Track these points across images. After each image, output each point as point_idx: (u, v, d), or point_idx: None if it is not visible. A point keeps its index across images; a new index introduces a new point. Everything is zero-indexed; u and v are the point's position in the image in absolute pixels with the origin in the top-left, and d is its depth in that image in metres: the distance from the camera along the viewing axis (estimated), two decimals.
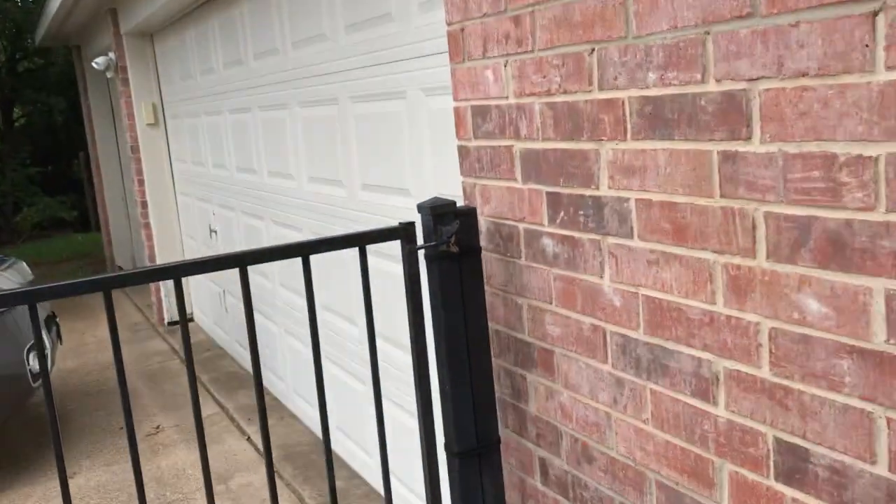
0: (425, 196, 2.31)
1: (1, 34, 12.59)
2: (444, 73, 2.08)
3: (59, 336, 4.37)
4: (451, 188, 2.15)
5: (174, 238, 6.25)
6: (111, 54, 5.96)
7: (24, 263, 4.35)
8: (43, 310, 4.22)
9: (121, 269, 8.81)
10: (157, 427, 4.27)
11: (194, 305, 6.29)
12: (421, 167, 2.46)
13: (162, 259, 6.23)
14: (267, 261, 1.69)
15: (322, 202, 3.31)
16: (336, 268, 3.17)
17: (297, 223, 3.59)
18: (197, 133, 5.17)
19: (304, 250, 1.72)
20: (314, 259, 1.80)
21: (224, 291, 5.13)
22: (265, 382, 4.50)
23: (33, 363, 3.71)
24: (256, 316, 4.43)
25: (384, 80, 2.64)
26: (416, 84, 2.40)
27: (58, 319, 4.45)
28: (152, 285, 6.33)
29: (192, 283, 6.26)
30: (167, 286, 6.24)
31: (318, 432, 3.57)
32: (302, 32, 3.24)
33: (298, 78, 3.37)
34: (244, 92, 4.04)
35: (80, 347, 6.16)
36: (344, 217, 3.11)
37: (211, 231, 5.11)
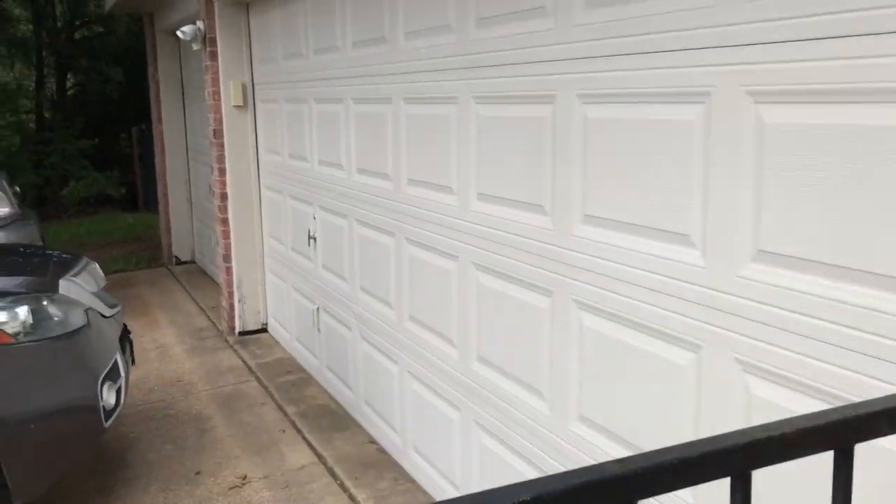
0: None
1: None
2: None
3: (132, 356, 3.60)
4: None
5: (254, 238, 5.52)
6: (199, 23, 5.19)
7: (97, 266, 3.59)
8: (116, 324, 3.47)
9: (178, 259, 8.12)
10: (244, 478, 3.49)
11: (269, 313, 5.49)
12: None
13: (238, 261, 5.50)
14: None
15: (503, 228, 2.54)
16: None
17: (451, 248, 2.86)
18: (299, 123, 4.46)
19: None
20: None
21: (319, 308, 4.37)
22: (373, 428, 3.72)
23: (107, 397, 2.95)
24: (366, 346, 3.84)
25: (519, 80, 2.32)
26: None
27: (131, 336, 3.68)
28: (224, 284, 5.59)
29: (268, 286, 5.53)
30: (242, 289, 5.51)
31: None
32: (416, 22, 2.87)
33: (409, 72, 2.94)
34: (385, 79, 3.33)
35: (139, 355, 5.40)
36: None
37: (310, 238, 4.35)
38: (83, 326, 2.96)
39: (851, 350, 1.44)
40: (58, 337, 2.85)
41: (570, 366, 2.22)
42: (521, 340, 2.44)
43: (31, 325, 2.86)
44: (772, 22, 1.53)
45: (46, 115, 12.35)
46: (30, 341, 2.79)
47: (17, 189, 6.49)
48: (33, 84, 12.52)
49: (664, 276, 1.84)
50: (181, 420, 4.06)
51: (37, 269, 3.32)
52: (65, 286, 3.09)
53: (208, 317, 6.12)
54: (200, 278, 7.48)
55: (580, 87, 2.06)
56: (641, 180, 1.88)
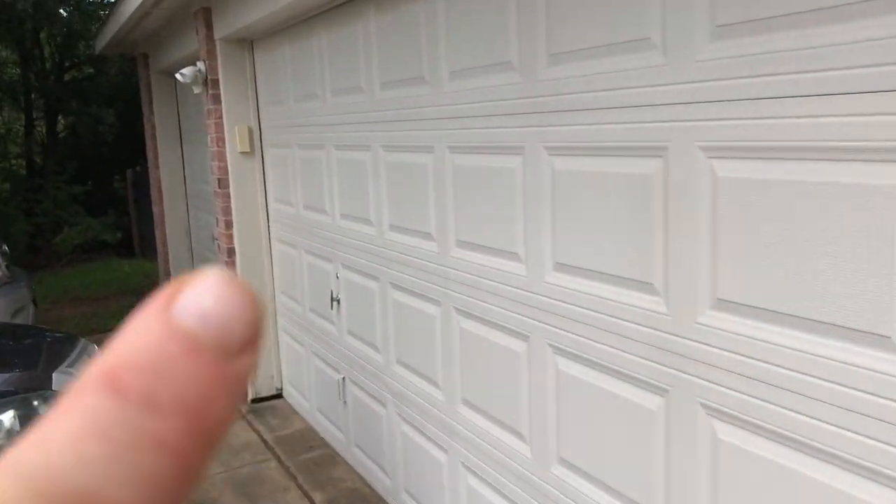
0: None
1: (49, 41, 11.64)
2: None
3: None
4: None
5: (265, 296, 5.04)
6: (199, 64, 4.75)
7: (96, 347, 3.12)
8: None
9: None
10: None
11: (285, 377, 5.20)
12: None
13: None
14: None
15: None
16: None
17: (520, 326, 2.68)
18: (316, 171, 4.53)
19: None
20: None
21: (345, 379, 3.89)
22: None
23: None
24: (405, 428, 3.72)
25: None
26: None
27: None
28: None
29: (282, 348, 5.06)
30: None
31: None
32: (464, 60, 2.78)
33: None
34: (425, 124, 3.23)
35: None
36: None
37: (332, 300, 3.89)
38: None
39: (794, 392, 1.67)
40: None
41: (548, 409, 2.48)
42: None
43: (19, 432, 2.37)
44: (721, 81, 1.74)
45: (37, 159, 12.04)
46: None
47: (6, 249, 6.02)
48: (22, 128, 12.09)
49: (631, 322, 2.09)
50: None
51: (26, 359, 2.89)
52: (59, 380, 2.64)
53: None
54: None
55: (547, 140, 2.29)
56: (605, 229, 2.13)
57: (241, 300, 0.26)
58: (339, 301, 4.25)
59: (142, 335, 0.25)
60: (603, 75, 2.12)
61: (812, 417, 1.64)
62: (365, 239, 3.83)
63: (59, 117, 12.86)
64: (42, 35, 12.11)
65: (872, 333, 1.50)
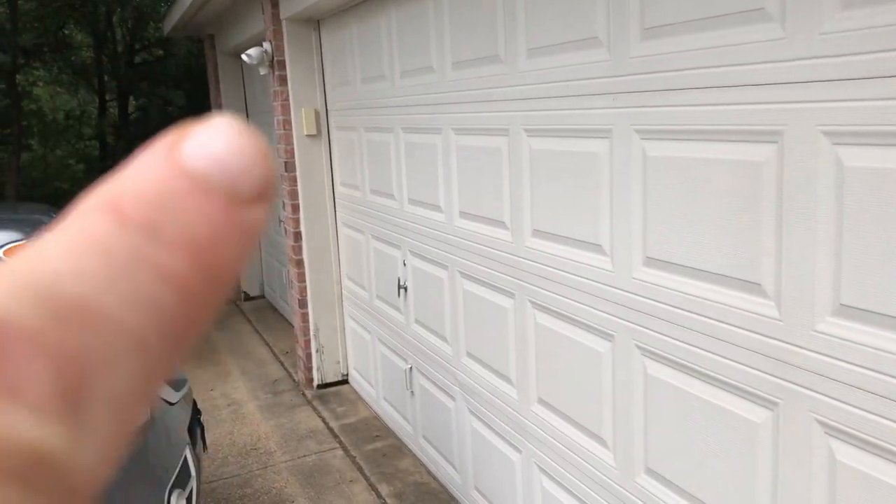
0: None
1: (122, 24, 11.80)
2: None
3: (204, 444, 3.01)
4: None
5: (332, 282, 5.04)
6: (266, 45, 4.64)
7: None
8: (185, 405, 2.89)
9: (247, 295, 7.64)
10: None
11: (350, 363, 5.13)
12: None
13: (315, 307, 5.56)
14: None
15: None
16: None
17: (600, 321, 2.53)
18: (383, 155, 4.38)
19: None
20: None
21: (412, 368, 3.76)
22: None
23: None
24: (475, 423, 3.58)
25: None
26: None
27: (202, 418, 3.09)
28: (300, 332, 5.08)
29: (348, 333, 4.96)
30: (319, 338, 4.93)
31: None
32: (545, 36, 2.62)
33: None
34: (501, 105, 3.06)
35: (209, 413, 4.86)
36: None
37: (399, 287, 3.75)
38: (144, 424, 2.37)
39: None
40: None
41: (634, 414, 2.36)
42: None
43: None
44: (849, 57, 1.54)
45: (109, 140, 12.17)
46: None
47: None
48: (95, 110, 12.34)
49: (734, 325, 1.89)
50: (260, 502, 3.47)
51: None
52: None
53: (283, 365, 5.64)
54: (271, 316, 7.05)
55: (638, 122, 2.18)
56: (705, 222, 1.99)
57: (253, 151, 0.25)
58: (406, 289, 4.11)
59: (146, 170, 0.24)
60: (706, 51, 1.89)
61: None
62: (434, 226, 3.67)
63: (131, 99, 13.06)
64: (114, 18, 12.27)
65: None
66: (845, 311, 1.61)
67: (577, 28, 2.40)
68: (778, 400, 1.80)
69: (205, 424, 3.60)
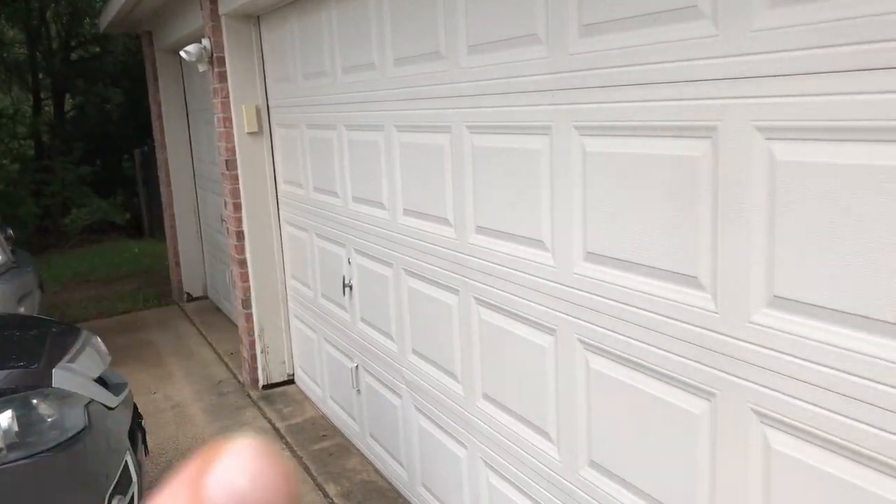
0: None
1: (56, 20, 11.47)
2: None
3: (146, 448, 2.95)
4: None
5: (276, 281, 5.01)
6: (204, 41, 4.56)
7: (98, 340, 2.95)
8: (125, 410, 2.82)
9: (190, 296, 7.51)
10: None
11: (296, 363, 5.38)
12: None
13: (259, 307, 5.49)
14: None
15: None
16: None
17: (541, 316, 2.53)
18: (326, 152, 4.33)
19: None
20: None
21: (358, 366, 3.74)
22: None
23: None
24: (422, 420, 3.58)
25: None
26: None
27: (144, 422, 3.02)
28: (244, 332, 5.02)
29: (293, 333, 4.91)
30: (264, 338, 4.88)
31: None
32: (485, 33, 2.63)
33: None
34: (443, 102, 3.05)
35: (152, 416, 4.75)
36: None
37: (345, 286, 3.73)
38: (83, 430, 2.34)
39: (863, 401, 1.52)
40: (50, 450, 2.20)
41: (577, 408, 2.39)
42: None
43: (18, 433, 2.23)
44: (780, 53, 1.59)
45: (45, 139, 11.82)
46: (16, 459, 2.14)
47: (10, 232, 5.90)
48: (30, 109, 11.96)
49: (673, 318, 1.93)
50: None
51: (26, 352, 2.69)
52: (60, 376, 2.49)
53: (227, 366, 5.58)
54: (215, 317, 6.95)
55: (578, 119, 2.21)
56: (643, 217, 2.02)
57: (273, 477, 0.27)
58: (351, 287, 4.08)
59: None
60: (644, 48, 1.91)
61: (880, 428, 1.46)
62: (378, 223, 3.65)
63: (67, 97, 12.70)
64: (48, 14, 11.91)
65: None
66: (779, 302, 1.64)
67: (517, 25, 2.41)
68: (715, 391, 1.83)
69: (147, 428, 3.53)
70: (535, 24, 2.31)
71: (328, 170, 4.24)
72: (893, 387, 1.43)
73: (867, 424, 1.49)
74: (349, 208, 3.99)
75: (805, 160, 1.56)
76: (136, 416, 3.21)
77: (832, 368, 1.53)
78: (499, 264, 2.68)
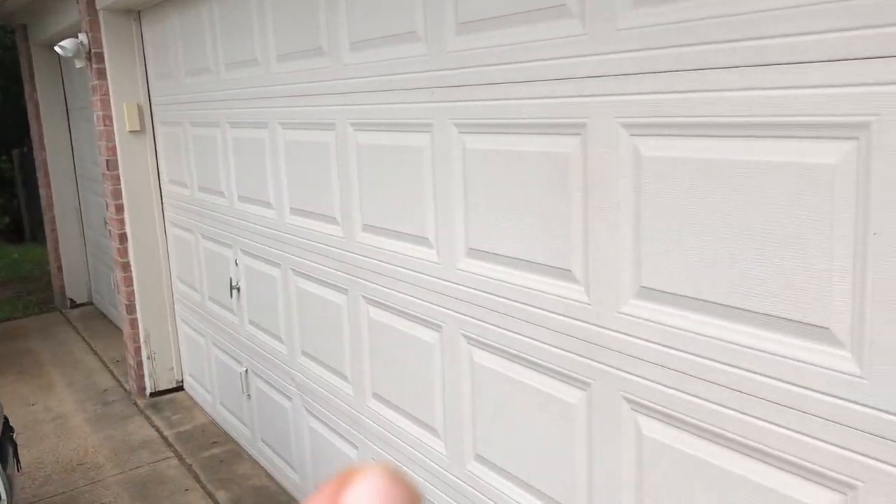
0: None
1: None
2: None
3: (17, 463, 2.80)
4: None
5: (162, 285, 4.88)
6: (81, 36, 4.38)
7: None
8: None
9: (73, 302, 7.19)
10: None
11: (185, 369, 5.31)
12: None
13: (145, 312, 5.32)
14: None
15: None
16: None
17: (433, 315, 2.54)
18: (210, 150, 4.23)
19: None
20: None
21: (248, 370, 3.67)
22: None
23: None
24: (313, 422, 3.56)
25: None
26: None
27: (15, 435, 2.87)
28: (129, 339, 4.86)
29: (181, 338, 4.78)
30: (150, 344, 4.73)
31: None
32: (366, 29, 2.61)
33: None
34: (328, 99, 3.04)
35: (30, 429, 4.54)
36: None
37: (232, 288, 3.65)
38: None
39: (722, 385, 1.59)
40: None
41: (462, 403, 2.41)
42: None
43: None
44: (642, 52, 1.64)
45: None
46: None
47: None
48: None
49: (550, 311, 1.98)
50: None
51: None
52: None
53: (113, 374, 5.39)
54: (100, 323, 6.71)
55: (457, 116, 2.23)
56: (520, 213, 2.06)
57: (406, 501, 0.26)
58: (239, 289, 3.98)
59: None
60: (517, 46, 1.94)
61: (740, 412, 1.53)
62: (265, 223, 3.58)
63: None
64: None
65: (805, 324, 1.39)
66: (646, 292, 1.70)
67: (397, 22, 2.41)
68: (590, 380, 1.88)
69: (19, 442, 3.34)
70: (415, 22, 2.32)
71: (213, 169, 4.13)
72: (750, 370, 1.50)
73: (727, 408, 1.56)
74: (235, 208, 3.91)
75: (667, 155, 1.62)
76: (7, 430, 3.03)
77: (695, 355, 1.60)
78: (386, 262, 2.68)
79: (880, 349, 1.29)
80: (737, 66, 1.44)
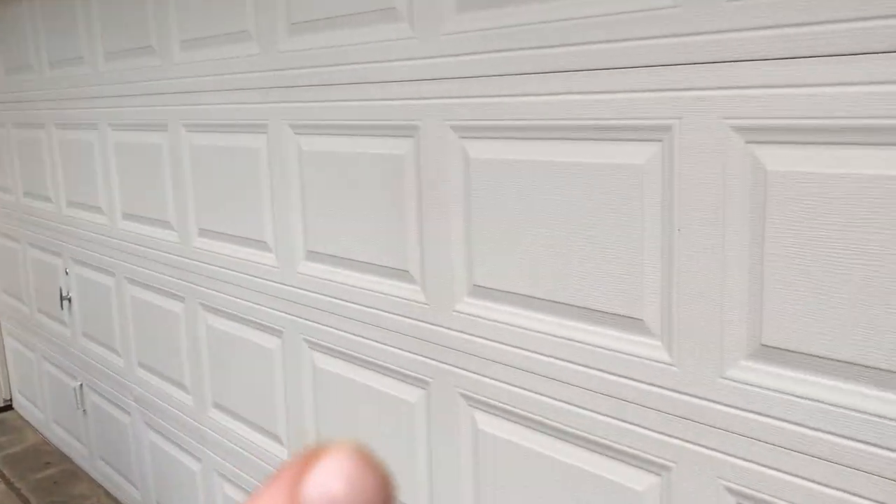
0: None
1: None
2: None
3: None
4: None
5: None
6: None
7: None
8: None
9: None
10: None
11: (14, 387, 4.69)
12: None
13: None
14: None
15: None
16: None
17: (271, 319, 2.50)
18: (36, 153, 3.97)
19: None
20: None
21: (82, 385, 3.52)
22: None
23: None
24: (153, 436, 3.44)
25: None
26: None
27: None
28: None
29: (9, 354, 4.54)
30: None
31: None
32: (197, 28, 2.51)
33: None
34: (159, 99, 2.94)
35: None
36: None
37: (62, 298, 3.48)
38: None
39: (551, 378, 1.65)
40: None
41: (305, 408, 2.38)
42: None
43: None
44: (467, 57, 1.68)
45: None
46: None
47: None
48: None
49: (390, 312, 2.00)
50: None
51: None
52: None
53: None
54: None
55: (292, 117, 2.21)
56: (358, 215, 2.06)
57: (373, 486, 0.25)
58: (70, 300, 3.75)
59: None
60: (349, 48, 1.94)
61: (567, 403, 1.60)
62: (96, 229, 3.39)
63: None
64: None
65: (622, 316, 1.48)
66: (479, 290, 1.75)
67: (228, 21, 2.35)
68: (429, 379, 1.91)
69: None
70: (246, 21, 2.27)
71: (39, 173, 3.86)
72: (575, 362, 1.57)
73: (555, 399, 1.62)
74: (64, 214, 3.67)
75: (492, 157, 1.66)
76: None
77: (525, 350, 1.66)
78: (224, 268, 2.61)
79: (686, 337, 1.38)
80: (554, 72, 1.51)
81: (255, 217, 2.41)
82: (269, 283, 2.40)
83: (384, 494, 0.26)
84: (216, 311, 2.70)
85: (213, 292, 2.68)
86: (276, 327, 2.41)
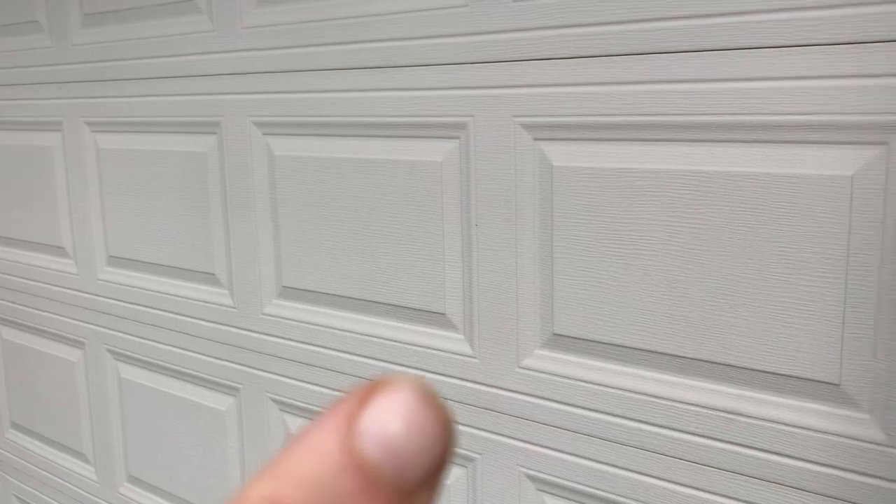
0: None
1: None
2: None
3: None
4: None
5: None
6: None
7: None
8: None
9: None
10: None
11: None
12: None
13: None
14: None
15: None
16: None
17: (54, 326, 2.49)
18: None
19: None
20: None
21: None
22: None
23: None
24: None
25: None
26: None
27: None
28: None
29: None
30: None
31: None
32: None
33: None
34: None
35: None
36: None
37: None
38: None
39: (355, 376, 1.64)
40: None
41: (111, 423, 2.27)
42: None
43: None
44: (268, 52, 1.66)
45: None
46: None
47: None
48: None
49: (197, 318, 1.93)
50: None
51: None
52: None
53: None
54: None
55: (88, 114, 2.10)
56: (161, 216, 1.98)
57: (434, 426, 0.23)
58: None
59: (316, 457, 0.23)
60: (147, 41, 1.85)
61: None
62: None
63: None
64: None
65: (427, 311, 1.49)
66: (287, 291, 1.71)
67: (17, 10, 2.18)
68: (239, 385, 1.85)
69: None
70: (36, 12, 2.11)
71: None
72: (383, 360, 1.57)
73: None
74: None
75: (296, 154, 1.64)
76: None
77: (333, 349, 1.64)
78: (18, 276, 2.40)
79: (486, 330, 1.41)
80: (356, 68, 1.51)
81: (51, 221, 2.24)
82: (68, 291, 2.24)
83: (444, 436, 0.24)
84: (11, 324, 2.48)
85: (7, 303, 2.47)
86: (78, 338, 2.25)
